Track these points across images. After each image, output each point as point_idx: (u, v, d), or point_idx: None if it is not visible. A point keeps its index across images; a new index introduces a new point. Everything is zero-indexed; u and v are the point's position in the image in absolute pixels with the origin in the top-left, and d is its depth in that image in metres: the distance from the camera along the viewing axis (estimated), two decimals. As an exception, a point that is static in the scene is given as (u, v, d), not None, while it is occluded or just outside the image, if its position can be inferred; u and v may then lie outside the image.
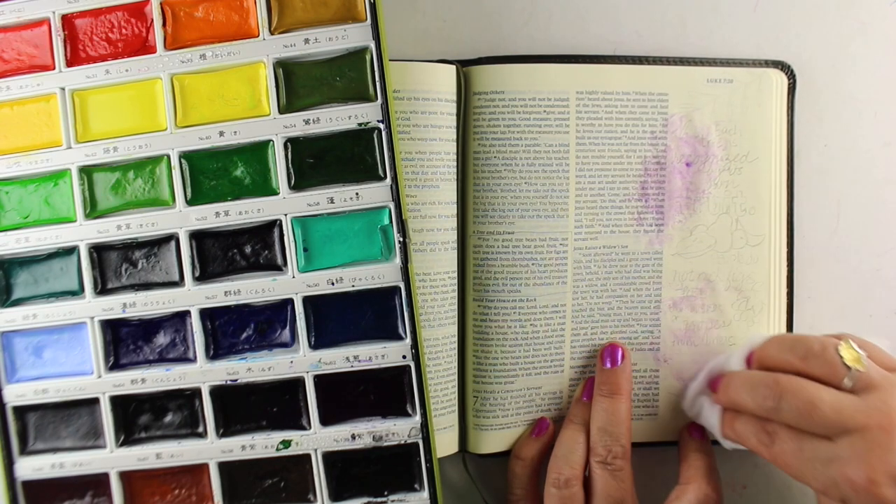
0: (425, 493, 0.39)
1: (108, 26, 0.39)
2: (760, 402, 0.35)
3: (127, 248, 0.40)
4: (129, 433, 0.40)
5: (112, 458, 0.40)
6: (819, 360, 0.35)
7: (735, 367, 0.39)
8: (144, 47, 0.39)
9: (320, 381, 0.39)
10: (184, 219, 0.39)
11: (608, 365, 0.42)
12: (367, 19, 0.38)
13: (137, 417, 0.40)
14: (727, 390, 0.38)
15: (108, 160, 0.39)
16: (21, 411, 0.40)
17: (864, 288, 0.44)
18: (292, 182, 0.39)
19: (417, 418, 0.39)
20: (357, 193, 0.38)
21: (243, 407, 0.40)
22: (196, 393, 0.40)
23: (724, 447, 0.40)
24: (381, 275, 0.39)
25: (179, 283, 0.39)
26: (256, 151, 0.39)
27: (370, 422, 0.39)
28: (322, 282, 0.39)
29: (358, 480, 0.40)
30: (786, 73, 0.43)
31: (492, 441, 0.43)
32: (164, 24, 0.39)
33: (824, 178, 0.44)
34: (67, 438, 0.40)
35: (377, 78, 0.38)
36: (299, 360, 0.39)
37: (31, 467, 0.40)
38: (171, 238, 0.39)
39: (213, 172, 0.39)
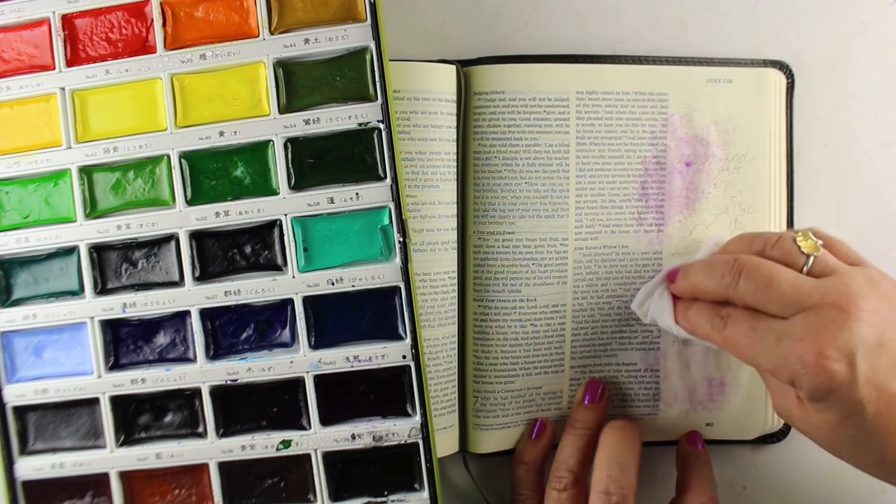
0: (425, 493, 0.39)
1: (108, 26, 0.39)
2: (719, 279, 0.35)
3: (127, 248, 0.40)
4: (129, 433, 0.40)
5: (112, 458, 0.40)
6: (777, 251, 0.35)
7: None
8: (144, 47, 0.39)
9: (320, 381, 0.39)
10: (184, 219, 0.39)
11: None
12: (367, 19, 0.38)
13: (137, 417, 0.40)
14: (686, 275, 0.38)
15: (108, 160, 0.39)
16: (21, 411, 0.40)
17: (864, 288, 0.44)
18: (292, 182, 0.39)
19: (417, 418, 0.39)
20: (357, 193, 0.39)
21: (243, 407, 0.40)
22: (196, 393, 0.40)
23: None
24: (381, 275, 0.39)
25: (179, 283, 0.39)
26: (256, 151, 0.39)
27: (370, 422, 0.39)
28: (322, 282, 0.39)
29: (358, 480, 0.40)
30: (784, 73, 0.43)
31: (492, 441, 0.43)
32: (164, 24, 0.39)
33: (824, 178, 0.44)
34: (67, 438, 0.40)
35: (377, 78, 0.38)
36: (299, 360, 0.39)
37: (31, 467, 0.40)
38: (171, 238, 0.39)
39: (213, 172, 0.39)
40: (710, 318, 0.36)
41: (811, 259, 0.35)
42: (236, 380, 0.39)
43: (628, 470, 0.38)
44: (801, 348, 0.32)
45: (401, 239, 0.38)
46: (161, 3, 0.39)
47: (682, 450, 0.42)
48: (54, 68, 0.39)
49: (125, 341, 0.40)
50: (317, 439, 0.39)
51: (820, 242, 0.35)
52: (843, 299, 0.32)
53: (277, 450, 0.39)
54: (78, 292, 0.40)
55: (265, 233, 0.39)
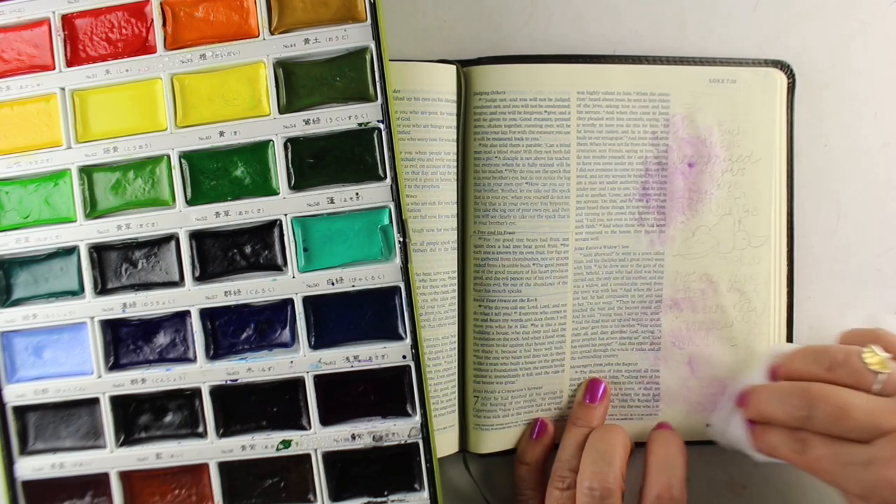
0: (425, 493, 0.39)
1: (109, 26, 0.39)
2: (791, 411, 0.35)
3: (127, 248, 0.40)
4: (129, 433, 0.40)
5: (112, 458, 0.40)
6: (845, 369, 0.35)
7: (759, 382, 0.39)
8: (144, 47, 0.39)
9: (320, 381, 0.39)
10: (184, 219, 0.39)
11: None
12: (367, 19, 0.38)
13: (137, 417, 0.40)
14: (757, 403, 0.38)
15: (108, 160, 0.39)
16: (21, 411, 0.40)
17: (864, 288, 0.44)
18: (292, 182, 0.39)
19: (417, 418, 0.39)
20: (357, 193, 0.38)
21: (243, 407, 0.40)
22: (196, 393, 0.40)
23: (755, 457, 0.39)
24: (381, 275, 0.39)
25: (179, 283, 0.39)
26: (256, 151, 0.39)
27: (370, 422, 0.39)
28: (322, 282, 0.39)
29: (358, 480, 0.40)
30: (785, 73, 0.43)
31: (492, 441, 0.43)
32: (164, 24, 0.39)
33: (824, 178, 0.44)
34: (67, 438, 0.40)
35: (377, 78, 0.38)
36: (299, 360, 0.39)
37: (31, 467, 0.40)
38: (171, 238, 0.39)
39: (213, 172, 0.39)
40: (788, 443, 0.36)
41: (880, 377, 0.34)
42: (236, 380, 0.39)
43: (614, 464, 0.38)
44: (891, 473, 0.32)
45: (401, 239, 0.38)
46: (161, 3, 0.39)
47: (649, 435, 0.42)
48: (54, 68, 0.39)
49: (125, 341, 0.40)
50: (317, 439, 0.39)
51: (888, 356, 0.35)
52: None
53: (277, 450, 0.39)
54: (78, 292, 0.40)
55: (265, 233, 0.39)
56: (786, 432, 0.36)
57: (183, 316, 0.40)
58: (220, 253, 0.39)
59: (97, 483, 0.40)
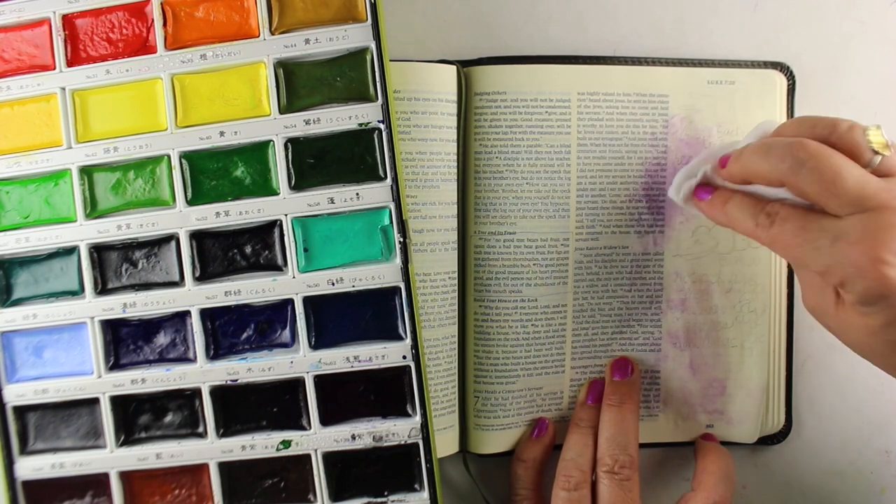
0: (425, 494, 0.39)
1: (109, 26, 0.39)
2: (777, 162, 0.32)
3: (127, 248, 0.40)
4: (129, 433, 0.40)
5: (112, 458, 0.40)
6: (846, 139, 0.32)
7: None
8: (145, 47, 0.39)
9: (320, 381, 0.39)
10: (184, 219, 0.39)
11: (618, 377, 0.42)
12: (367, 19, 0.38)
13: (137, 417, 0.40)
14: (739, 158, 0.34)
15: (108, 160, 0.39)
16: (21, 411, 0.40)
17: (864, 288, 0.44)
18: (293, 182, 0.39)
19: (417, 418, 0.39)
20: (357, 194, 0.39)
21: (243, 407, 0.40)
22: (196, 393, 0.40)
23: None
24: (381, 275, 0.39)
25: (180, 283, 0.39)
26: (257, 151, 0.39)
27: (370, 422, 0.39)
28: (322, 282, 0.39)
29: (358, 480, 0.40)
30: (785, 75, 0.43)
31: (493, 441, 0.43)
32: (164, 24, 0.39)
33: (824, 179, 0.44)
34: (67, 438, 0.40)
35: (377, 78, 0.38)
36: (299, 361, 0.39)
37: (31, 467, 0.40)
38: (172, 238, 0.39)
39: (213, 172, 0.39)
40: (754, 214, 0.34)
41: (878, 158, 0.31)
42: (236, 380, 0.39)
43: (629, 448, 0.39)
44: (858, 251, 0.30)
45: (401, 239, 0.38)
46: (161, 3, 0.39)
47: (698, 443, 0.42)
48: (55, 68, 0.39)
49: (125, 341, 0.40)
50: (317, 439, 0.39)
51: (892, 141, 0.32)
52: None
53: (277, 450, 0.39)
54: (78, 292, 0.40)
55: (265, 233, 0.39)
56: (752, 202, 0.34)
57: (183, 316, 0.40)
58: (220, 253, 0.39)
59: (97, 483, 0.40)
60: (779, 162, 0.32)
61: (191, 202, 0.39)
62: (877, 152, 0.31)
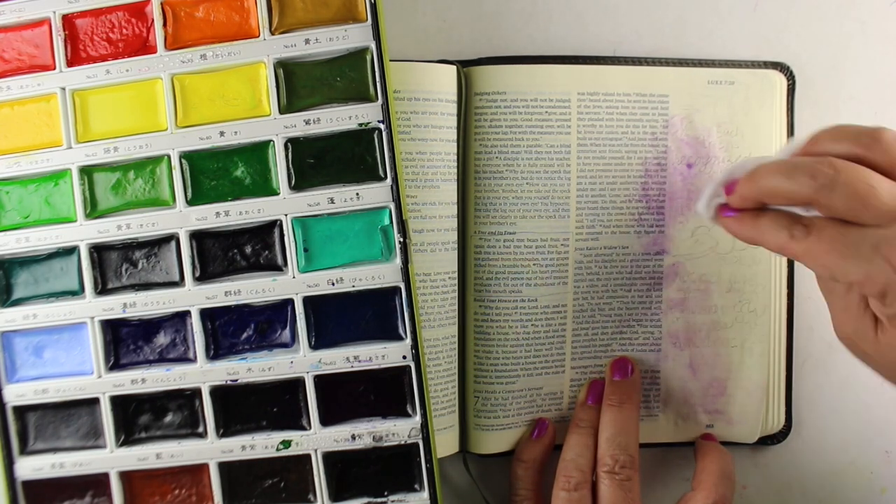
0: (425, 494, 0.39)
1: (109, 26, 0.39)
2: (806, 181, 0.31)
3: (127, 248, 0.40)
4: (129, 433, 0.40)
5: (112, 458, 0.40)
6: (891, 152, 0.31)
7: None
8: (145, 47, 0.39)
9: (320, 381, 0.39)
10: (184, 219, 0.39)
11: (618, 377, 0.42)
12: (367, 19, 0.38)
13: (137, 417, 0.40)
14: (755, 178, 0.33)
15: (108, 160, 0.39)
16: (21, 411, 0.40)
17: (864, 288, 0.44)
18: (293, 182, 0.39)
19: (417, 418, 0.39)
20: (357, 194, 0.38)
21: (243, 407, 0.40)
22: (196, 393, 0.40)
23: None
24: (381, 275, 0.39)
25: (180, 283, 0.39)
26: (257, 151, 0.39)
27: (370, 422, 0.39)
28: (322, 282, 0.39)
29: (358, 480, 0.40)
30: (785, 75, 0.43)
31: (493, 441, 0.43)
32: (164, 24, 0.39)
33: (824, 179, 0.44)
34: (67, 438, 0.40)
35: (378, 78, 0.38)
36: (299, 361, 0.39)
37: (31, 467, 0.40)
38: (172, 238, 0.39)
39: (213, 172, 0.39)
40: (789, 226, 0.32)
41: None
42: (236, 380, 0.39)
43: (630, 448, 0.39)
44: None
45: (401, 239, 0.38)
46: (161, 3, 0.39)
47: (698, 443, 0.42)
48: (55, 68, 0.39)
49: (125, 341, 0.40)
50: (317, 439, 0.39)
51: None
52: None
53: (277, 450, 0.39)
54: (78, 292, 0.40)
55: (265, 233, 0.39)
56: (787, 215, 0.32)
57: (183, 316, 0.40)
58: (220, 253, 0.39)
59: (97, 483, 0.40)
60: (808, 181, 0.31)
61: (191, 202, 0.39)
62: None
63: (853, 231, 0.30)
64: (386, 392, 0.39)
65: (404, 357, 0.39)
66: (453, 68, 0.41)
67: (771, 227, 0.33)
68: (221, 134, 0.39)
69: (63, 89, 0.39)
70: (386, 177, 0.38)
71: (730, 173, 0.35)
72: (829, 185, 0.30)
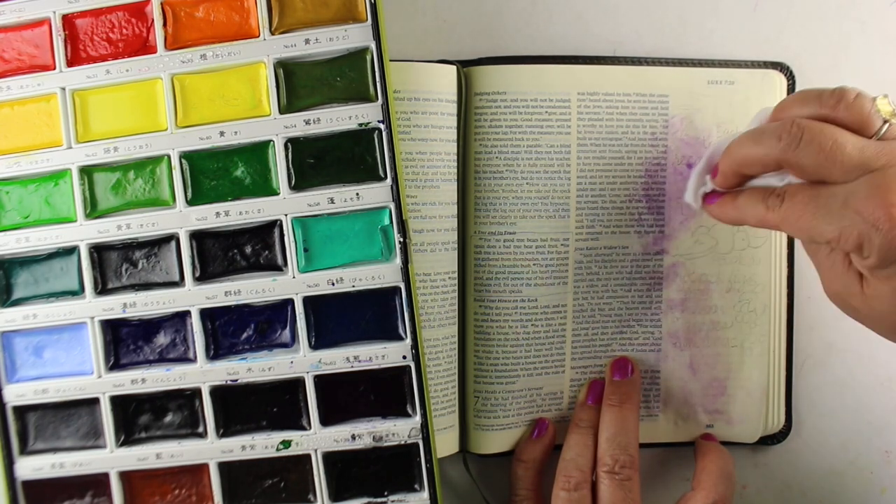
0: (425, 494, 0.39)
1: (109, 26, 0.39)
2: (773, 143, 0.32)
3: (127, 248, 0.40)
4: (129, 433, 0.40)
5: (112, 458, 0.40)
6: (854, 108, 0.31)
7: None
8: (145, 47, 0.39)
9: (320, 381, 0.39)
10: (184, 219, 0.39)
11: (618, 377, 0.42)
12: (367, 19, 0.38)
13: (137, 417, 0.40)
14: (729, 152, 0.34)
15: (108, 160, 0.39)
16: (21, 411, 0.40)
17: (864, 288, 0.44)
18: (293, 182, 0.39)
19: (417, 418, 0.39)
20: (357, 194, 0.39)
21: (243, 407, 0.40)
22: (196, 393, 0.40)
23: None
24: (381, 275, 0.39)
25: (180, 283, 0.39)
26: (257, 151, 0.39)
27: (370, 422, 0.39)
28: (322, 282, 0.39)
29: (358, 480, 0.40)
30: (785, 75, 0.43)
31: (493, 441, 0.43)
32: (164, 24, 0.39)
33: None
34: (67, 438, 0.40)
35: (378, 78, 0.38)
36: (299, 361, 0.39)
37: (31, 467, 0.40)
38: (172, 238, 0.39)
39: (213, 172, 0.39)
40: (764, 198, 0.33)
41: (886, 126, 0.31)
42: (236, 380, 0.39)
43: (629, 448, 0.39)
44: (870, 205, 0.29)
45: (401, 239, 0.38)
46: (161, 3, 0.39)
47: (698, 443, 0.42)
48: (55, 68, 0.39)
49: (125, 341, 0.40)
50: (317, 439, 0.39)
51: None
52: None
53: (277, 450, 0.39)
54: (78, 292, 0.40)
55: (265, 233, 0.39)
56: (761, 189, 0.34)
57: (183, 316, 0.40)
58: (220, 253, 0.39)
59: (97, 483, 0.40)
60: (774, 142, 0.32)
61: (191, 202, 0.39)
62: (886, 120, 0.31)
63: (823, 191, 0.31)
64: (386, 392, 0.39)
65: (404, 357, 0.39)
66: (453, 68, 0.41)
67: (748, 202, 0.34)
68: (221, 134, 0.39)
69: (63, 89, 0.39)
70: (386, 177, 0.38)
71: (710, 158, 0.36)
72: (794, 143, 0.31)
